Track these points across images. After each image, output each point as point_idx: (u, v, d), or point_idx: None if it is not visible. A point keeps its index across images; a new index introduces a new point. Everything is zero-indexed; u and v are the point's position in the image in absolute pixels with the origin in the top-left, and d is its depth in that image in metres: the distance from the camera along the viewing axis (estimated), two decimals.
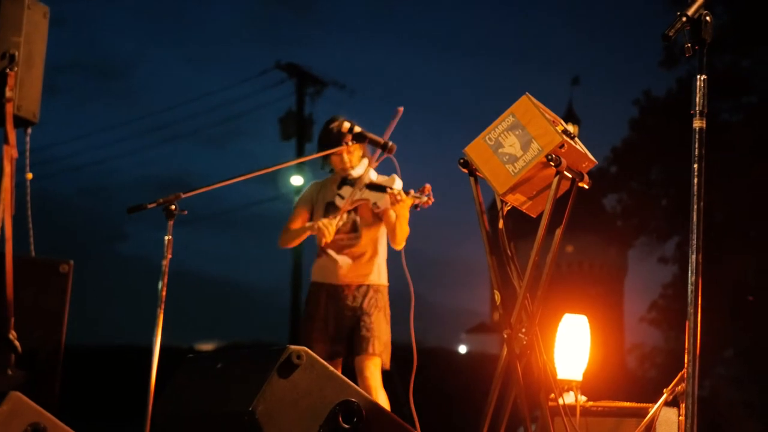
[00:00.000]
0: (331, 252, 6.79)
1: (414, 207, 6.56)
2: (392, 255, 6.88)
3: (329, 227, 6.66)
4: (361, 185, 6.72)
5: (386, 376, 6.74)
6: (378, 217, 6.76)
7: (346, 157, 6.82)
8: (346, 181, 6.83)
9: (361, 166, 6.85)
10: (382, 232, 6.80)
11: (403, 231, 6.69)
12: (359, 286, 6.76)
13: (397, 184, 6.65)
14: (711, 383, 27.12)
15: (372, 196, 6.68)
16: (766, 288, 23.92)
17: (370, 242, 6.79)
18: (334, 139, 6.83)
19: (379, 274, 6.82)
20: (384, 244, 6.86)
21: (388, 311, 6.79)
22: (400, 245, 6.74)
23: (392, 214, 6.64)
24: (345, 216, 6.78)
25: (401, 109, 6.73)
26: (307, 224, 6.82)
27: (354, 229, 6.80)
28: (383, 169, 6.84)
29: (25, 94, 6.66)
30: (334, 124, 6.88)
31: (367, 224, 6.78)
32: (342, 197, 6.77)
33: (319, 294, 6.84)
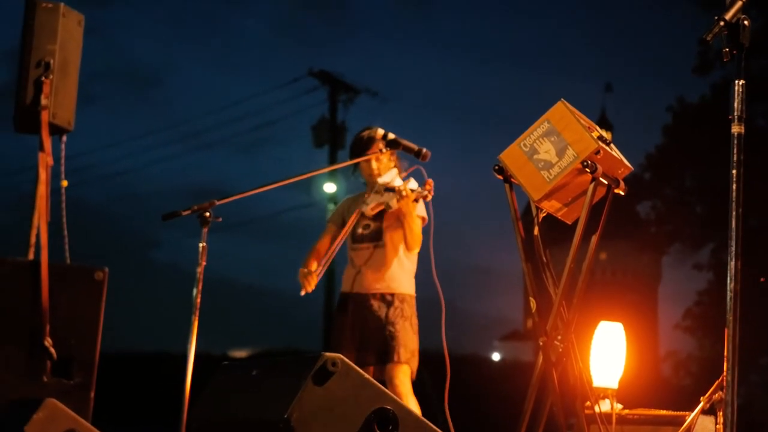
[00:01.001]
0: (358, 263, 6.81)
1: (415, 201, 6.58)
2: (423, 263, 6.87)
3: (309, 279, 6.73)
4: (380, 190, 6.75)
5: (419, 383, 6.73)
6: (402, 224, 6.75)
7: (374, 164, 6.83)
8: (373, 189, 6.85)
9: (388, 174, 6.85)
10: None
11: (412, 231, 6.68)
12: (384, 295, 6.75)
13: (411, 183, 6.66)
14: (745, 390, 26.95)
15: (386, 197, 6.70)
16: None
17: (394, 251, 6.78)
18: (363, 145, 6.86)
19: (404, 284, 6.81)
20: (411, 255, 6.84)
21: (414, 320, 6.79)
22: (411, 247, 6.74)
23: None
24: (373, 224, 6.80)
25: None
26: (300, 268, 6.86)
27: (379, 237, 6.80)
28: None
29: (60, 102, 6.69)
30: (366, 132, 6.90)
31: (391, 233, 6.77)
32: (368, 205, 6.80)
33: (346, 303, 6.86)
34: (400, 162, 6.93)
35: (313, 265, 6.83)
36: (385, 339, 6.65)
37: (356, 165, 6.95)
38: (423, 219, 6.79)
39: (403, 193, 6.50)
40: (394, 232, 6.76)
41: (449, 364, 6.57)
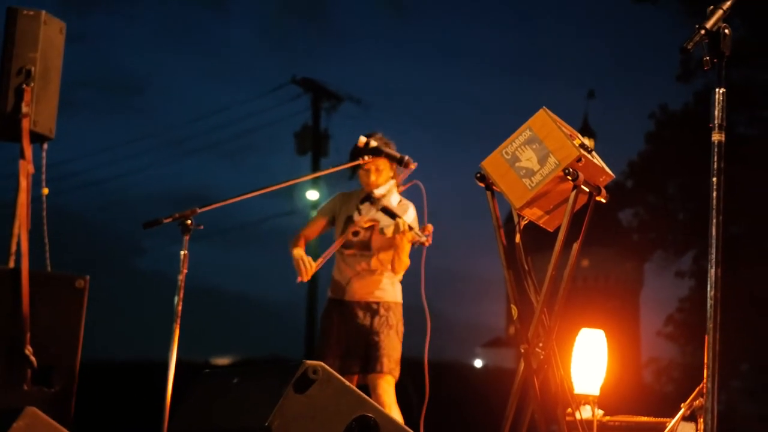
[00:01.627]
0: (344, 269, 6.79)
1: (412, 244, 6.56)
2: (413, 273, 6.84)
3: (308, 268, 6.68)
4: (378, 206, 6.71)
5: (401, 390, 6.72)
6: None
7: (373, 175, 6.79)
8: (369, 197, 6.81)
9: (385, 186, 6.82)
10: None
11: (401, 261, 6.67)
12: (370, 304, 6.74)
13: (410, 214, 6.65)
14: (727, 397, 27.01)
15: (383, 219, 6.67)
16: None
17: (382, 260, 6.77)
18: (355, 153, 6.83)
19: (390, 292, 6.79)
20: None
21: (400, 328, 6.77)
22: (397, 273, 6.74)
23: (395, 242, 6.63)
24: (362, 232, 6.78)
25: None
26: (295, 252, 6.81)
27: (367, 247, 6.78)
28: (415, 195, 6.80)
29: (41, 109, 6.66)
30: (360, 141, 6.86)
31: (379, 243, 6.75)
32: (360, 213, 6.77)
33: (332, 310, 6.84)
34: (398, 170, 6.88)
35: (301, 248, 6.80)
36: (370, 348, 6.64)
37: (353, 171, 6.92)
38: None
39: (401, 229, 6.48)
40: (382, 245, 6.73)
41: (429, 379, 6.58)
